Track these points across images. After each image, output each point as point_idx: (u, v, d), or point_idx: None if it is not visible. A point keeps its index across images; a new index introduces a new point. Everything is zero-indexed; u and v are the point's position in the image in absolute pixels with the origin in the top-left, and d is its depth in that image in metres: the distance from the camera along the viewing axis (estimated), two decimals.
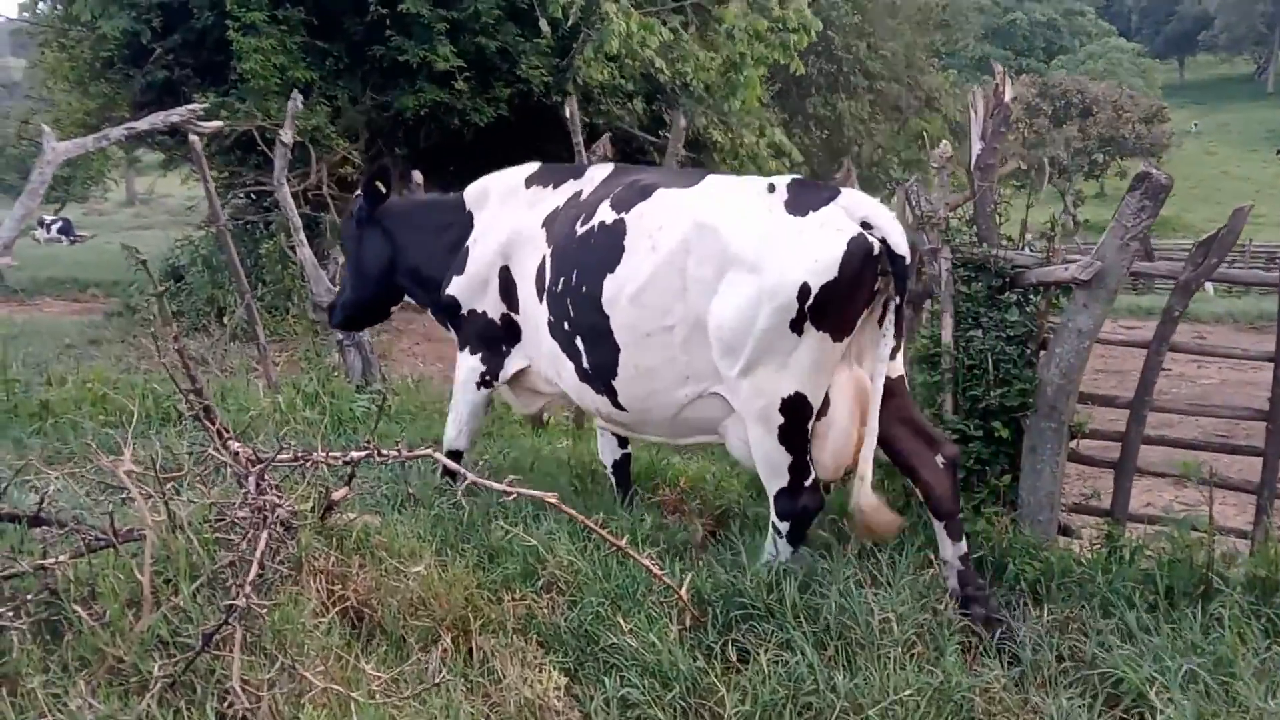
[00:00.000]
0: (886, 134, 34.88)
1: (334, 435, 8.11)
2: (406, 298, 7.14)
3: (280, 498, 4.07)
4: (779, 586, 4.93)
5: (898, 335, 5.20)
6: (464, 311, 6.51)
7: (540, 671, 4.29)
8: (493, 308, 6.40)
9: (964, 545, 5.40)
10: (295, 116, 10.03)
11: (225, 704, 3.69)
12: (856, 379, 5.24)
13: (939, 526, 5.41)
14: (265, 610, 3.85)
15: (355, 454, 4.64)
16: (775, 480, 5.34)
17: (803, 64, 18.22)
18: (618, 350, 5.61)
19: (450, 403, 6.70)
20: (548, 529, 5.43)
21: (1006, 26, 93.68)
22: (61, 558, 4.12)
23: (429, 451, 4.47)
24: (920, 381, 6.38)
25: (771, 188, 5.32)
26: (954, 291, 6.28)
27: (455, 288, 6.48)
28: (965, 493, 5.94)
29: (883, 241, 4.98)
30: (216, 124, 9.60)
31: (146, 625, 3.87)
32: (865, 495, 5.15)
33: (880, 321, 5.20)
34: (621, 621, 4.58)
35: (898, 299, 5.08)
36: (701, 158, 18.88)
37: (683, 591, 4.70)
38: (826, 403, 5.23)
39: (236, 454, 4.61)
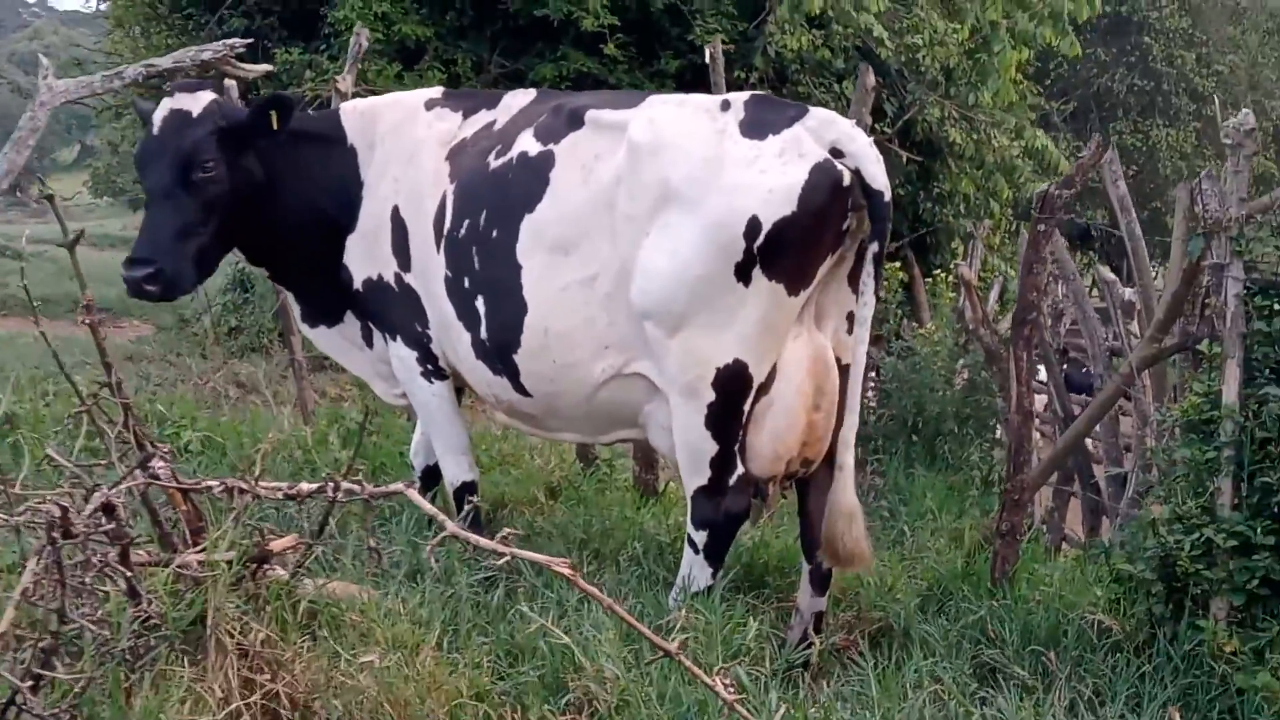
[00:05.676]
0: (1217, 174, 33.34)
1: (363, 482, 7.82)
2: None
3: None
4: None
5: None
6: (358, 285, 6.47)
7: None
8: (386, 267, 6.40)
9: (824, 601, 5.86)
10: (359, 60, 9.80)
11: None
12: (814, 347, 5.52)
13: (805, 571, 5.83)
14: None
15: (305, 486, 4.19)
16: (695, 476, 5.61)
17: (1080, 46, 17.33)
18: (525, 311, 5.82)
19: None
20: (596, 622, 5.01)
21: None
22: None
23: (400, 488, 4.02)
24: (1188, 458, 5.75)
25: (726, 105, 5.58)
26: (1244, 330, 5.66)
27: (350, 253, 6.46)
28: (1244, 629, 5.41)
29: (856, 173, 5.28)
30: (263, 67, 9.40)
31: None
32: (846, 493, 5.42)
33: (852, 277, 5.52)
34: None
35: (876, 247, 5.35)
36: (935, 165, 18.18)
37: None
38: (772, 376, 5.47)
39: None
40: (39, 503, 3.49)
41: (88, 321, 4.57)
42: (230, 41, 9.34)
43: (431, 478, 6.98)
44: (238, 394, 14.66)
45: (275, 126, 6.24)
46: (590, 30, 16.40)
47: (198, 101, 6.21)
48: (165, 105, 6.26)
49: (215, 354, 17.52)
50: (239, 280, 19.15)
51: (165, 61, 9.24)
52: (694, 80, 17.10)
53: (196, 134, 6.12)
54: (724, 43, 16.34)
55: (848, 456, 5.53)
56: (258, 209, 6.39)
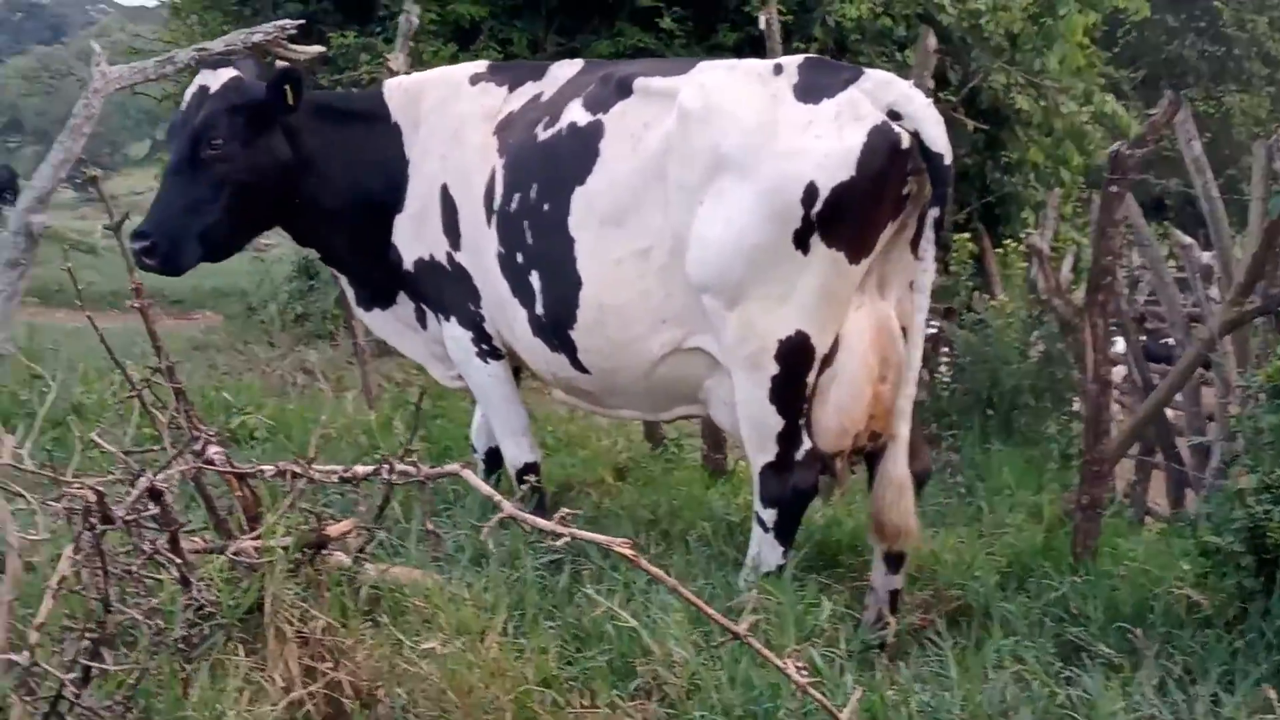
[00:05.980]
0: None
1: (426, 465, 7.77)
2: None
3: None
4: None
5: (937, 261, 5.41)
6: (408, 266, 6.40)
7: None
8: (436, 247, 6.32)
9: (899, 580, 5.66)
10: (410, 39, 9.73)
11: None
12: (878, 317, 5.42)
13: (878, 551, 5.63)
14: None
15: (360, 468, 4.11)
16: (761, 452, 5.52)
17: (1149, 8, 16.99)
18: (579, 286, 5.73)
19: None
20: (664, 604, 4.87)
21: None
22: None
23: (457, 469, 3.94)
24: (1275, 424, 5.59)
25: (778, 69, 5.47)
26: None
27: (399, 233, 6.37)
28: None
29: (914, 135, 5.17)
30: (316, 48, 9.44)
31: None
32: (897, 465, 5.37)
33: (914, 243, 5.39)
34: None
35: (937, 212, 5.26)
36: (1002, 133, 17.90)
37: (844, 716, 3.92)
38: (835, 348, 5.36)
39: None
40: (77, 488, 3.42)
41: (137, 305, 4.52)
42: (281, 23, 9.37)
43: (495, 460, 6.88)
44: (305, 381, 14.74)
45: (290, 101, 6.15)
46: (646, 4, 16.39)
47: (217, 78, 6.20)
48: (194, 81, 6.29)
49: (282, 341, 17.63)
50: (304, 268, 19.20)
51: (217, 45, 9.28)
52: (753, 53, 16.94)
53: (209, 110, 6.10)
54: (781, 13, 16.21)
55: (903, 427, 5.44)
56: (293, 189, 6.34)
